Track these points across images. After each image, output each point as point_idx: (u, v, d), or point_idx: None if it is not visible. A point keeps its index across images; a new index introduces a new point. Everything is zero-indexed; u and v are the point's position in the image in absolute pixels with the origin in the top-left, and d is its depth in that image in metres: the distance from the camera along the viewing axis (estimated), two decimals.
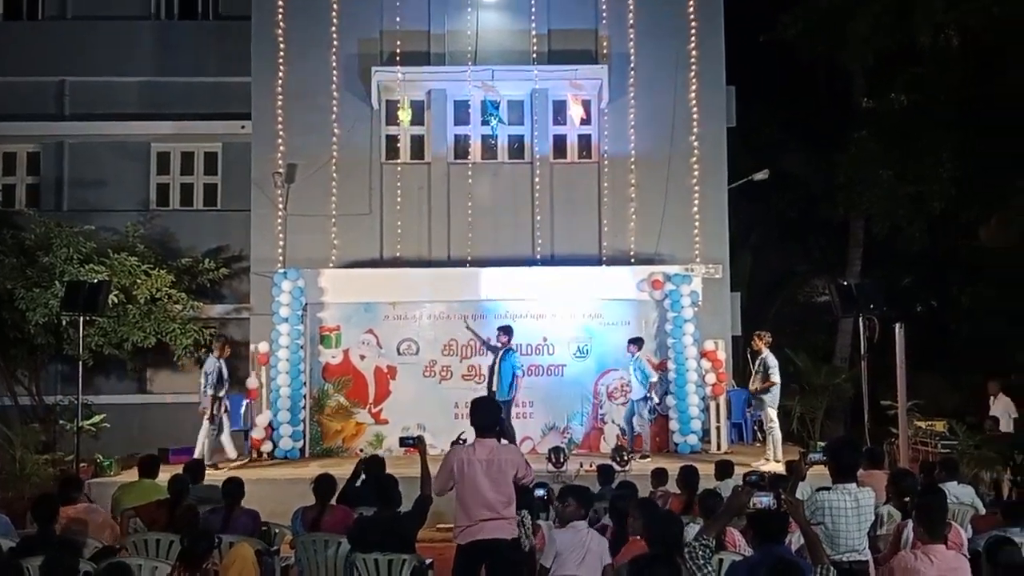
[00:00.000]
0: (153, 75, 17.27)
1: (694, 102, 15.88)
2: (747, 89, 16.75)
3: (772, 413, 12.02)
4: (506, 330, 12.99)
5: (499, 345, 12.96)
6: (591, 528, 6.62)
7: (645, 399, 13.10)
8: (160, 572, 6.12)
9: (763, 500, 4.95)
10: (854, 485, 5.78)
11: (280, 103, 15.75)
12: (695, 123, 15.84)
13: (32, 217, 15.57)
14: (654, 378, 13.12)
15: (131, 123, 16.92)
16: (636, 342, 13.21)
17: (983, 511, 8.45)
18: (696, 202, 15.70)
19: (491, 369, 12.92)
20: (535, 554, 6.78)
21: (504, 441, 6.84)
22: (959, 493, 8.41)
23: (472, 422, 6.62)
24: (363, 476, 8.67)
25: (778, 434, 12.11)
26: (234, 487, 7.83)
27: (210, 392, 12.36)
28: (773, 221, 21.06)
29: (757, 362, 12.17)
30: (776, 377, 11.88)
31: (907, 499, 7.39)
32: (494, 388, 12.68)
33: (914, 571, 5.92)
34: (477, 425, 6.56)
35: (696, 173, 15.76)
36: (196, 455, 11.62)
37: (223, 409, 12.58)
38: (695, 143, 15.82)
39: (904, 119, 18.52)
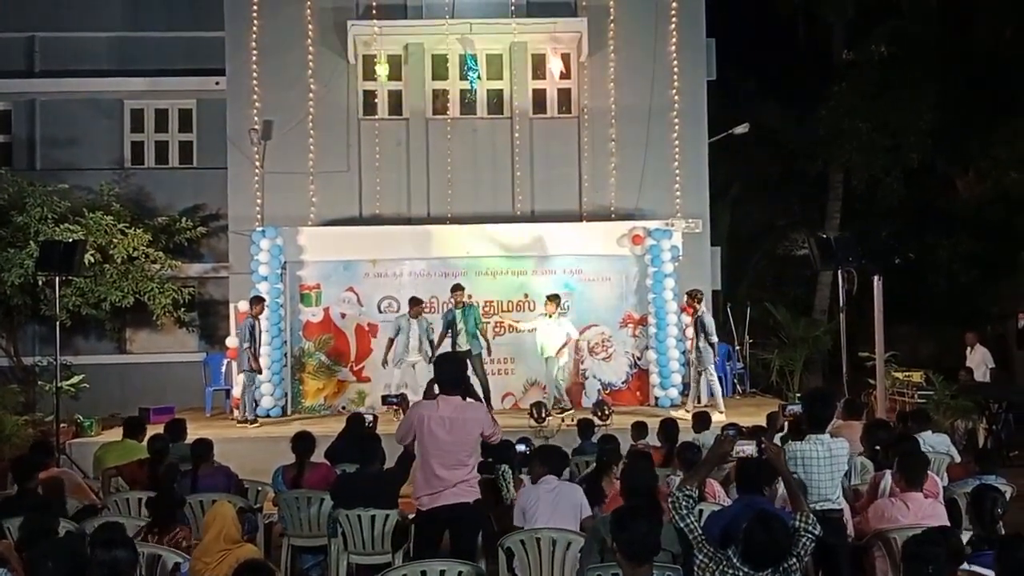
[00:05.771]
0: (124, 30, 16.97)
1: (674, 55, 15.75)
2: (727, 43, 16.62)
3: (711, 368, 12.25)
4: (458, 287, 12.74)
5: (451, 304, 12.71)
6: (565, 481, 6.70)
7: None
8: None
9: (746, 449, 4.98)
10: (827, 435, 5.84)
11: (255, 58, 15.49)
12: (675, 77, 15.73)
13: (5, 176, 15.29)
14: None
15: (103, 79, 16.62)
16: (555, 299, 12.75)
17: (958, 459, 8.57)
18: (676, 157, 15.64)
19: (449, 331, 12.54)
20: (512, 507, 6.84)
21: (470, 399, 6.69)
22: (934, 442, 8.51)
23: (437, 379, 6.41)
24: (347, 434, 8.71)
25: (717, 388, 12.30)
26: (200, 448, 7.86)
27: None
28: (752, 175, 21.05)
29: (695, 322, 12.28)
30: (711, 339, 12.09)
31: (878, 448, 7.48)
32: (464, 346, 12.36)
33: (890, 518, 6.04)
34: (442, 381, 6.33)
35: (676, 127, 15.68)
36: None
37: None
38: (675, 97, 15.72)
39: (883, 71, 18.51)
